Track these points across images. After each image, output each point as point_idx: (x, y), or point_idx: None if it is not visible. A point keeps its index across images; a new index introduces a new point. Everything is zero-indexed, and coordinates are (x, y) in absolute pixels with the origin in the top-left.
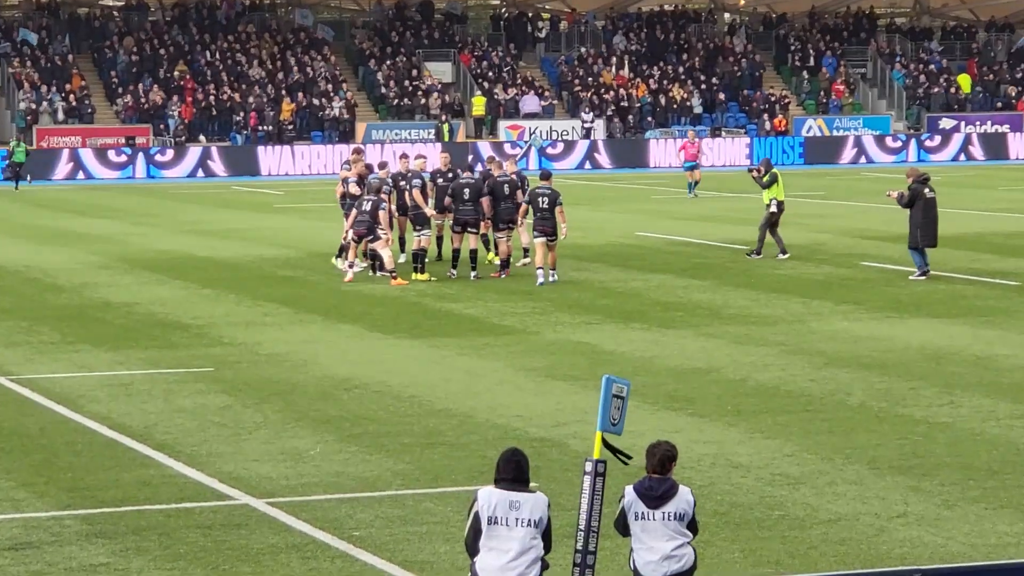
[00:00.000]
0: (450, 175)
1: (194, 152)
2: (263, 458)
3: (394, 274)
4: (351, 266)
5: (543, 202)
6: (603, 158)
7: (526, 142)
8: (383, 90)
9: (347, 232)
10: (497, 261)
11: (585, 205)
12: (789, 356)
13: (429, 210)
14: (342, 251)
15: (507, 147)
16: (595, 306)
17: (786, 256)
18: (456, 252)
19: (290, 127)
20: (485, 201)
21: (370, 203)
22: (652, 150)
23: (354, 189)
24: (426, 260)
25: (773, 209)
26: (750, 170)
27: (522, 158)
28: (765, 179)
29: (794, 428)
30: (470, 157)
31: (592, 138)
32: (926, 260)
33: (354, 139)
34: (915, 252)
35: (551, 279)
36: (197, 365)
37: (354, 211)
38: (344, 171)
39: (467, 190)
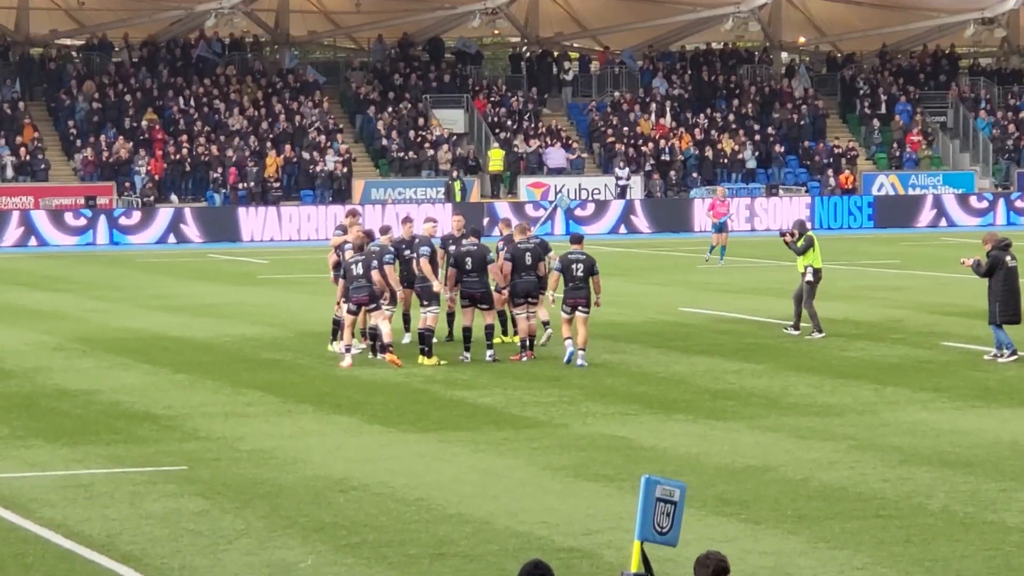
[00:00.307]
0: (464, 242)
1: (164, 214)
2: (245, 572)
3: (390, 349)
4: (347, 349)
5: (577, 269)
6: (641, 221)
7: (551, 203)
8: (384, 142)
9: (339, 304)
10: (517, 342)
11: (620, 276)
12: (859, 452)
13: (438, 283)
14: (338, 332)
15: (529, 208)
16: (632, 394)
17: (822, 335)
18: (467, 331)
19: (276, 185)
20: (495, 268)
21: (361, 263)
22: (697, 212)
23: (350, 257)
24: (433, 341)
25: (809, 278)
26: (783, 234)
27: (546, 221)
28: (800, 244)
29: (865, 536)
30: (485, 220)
31: (628, 197)
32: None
33: (350, 199)
34: (997, 329)
35: (579, 363)
36: (168, 463)
37: (342, 280)
38: (337, 236)
39: (469, 259)
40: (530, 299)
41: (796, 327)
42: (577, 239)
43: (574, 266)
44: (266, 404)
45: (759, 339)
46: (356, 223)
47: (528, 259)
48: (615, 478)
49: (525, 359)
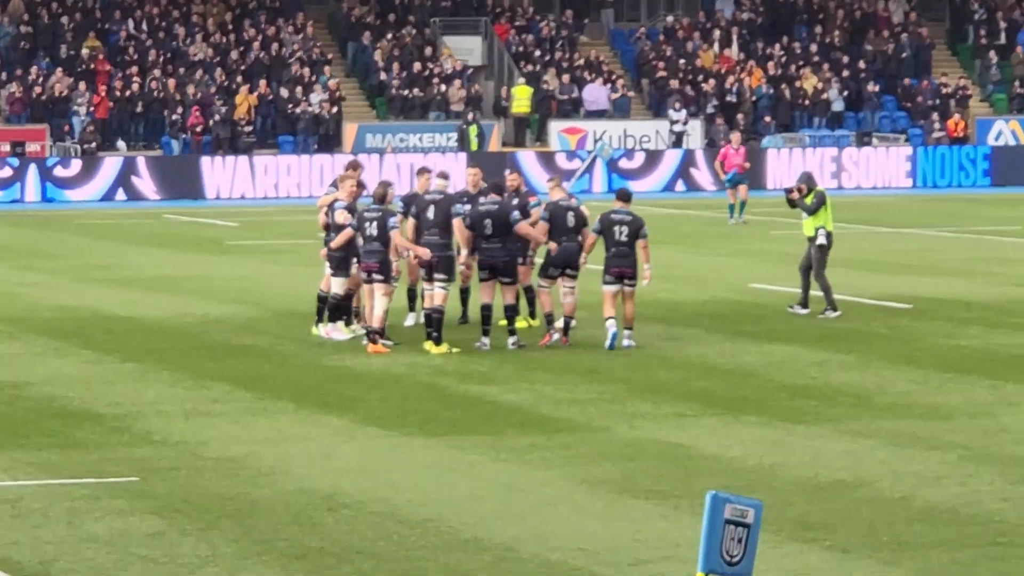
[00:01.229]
0: (483, 199)
1: (110, 165)
2: None
3: (377, 335)
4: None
5: (621, 232)
6: (702, 176)
7: (589, 152)
8: (383, 76)
9: (329, 276)
10: (558, 325)
11: (675, 244)
12: (972, 464)
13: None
14: (331, 311)
15: (559, 159)
16: (691, 390)
17: (837, 314)
18: (486, 310)
19: (248, 130)
20: (531, 229)
21: (376, 221)
22: (771, 164)
23: (343, 218)
24: (442, 324)
25: (822, 241)
26: (789, 191)
27: (582, 175)
28: (809, 201)
29: (980, 568)
30: (508, 174)
31: (685, 147)
32: None
33: (340, 147)
34: None
35: (626, 343)
36: (115, 473)
37: (344, 235)
38: (327, 194)
39: (489, 221)
40: (569, 271)
41: (804, 304)
42: (625, 196)
43: (617, 228)
44: (236, 401)
45: (848, 323)
46: (353, 176)
47: (571, 220)
48: (670, 495)
49: (556, 340)
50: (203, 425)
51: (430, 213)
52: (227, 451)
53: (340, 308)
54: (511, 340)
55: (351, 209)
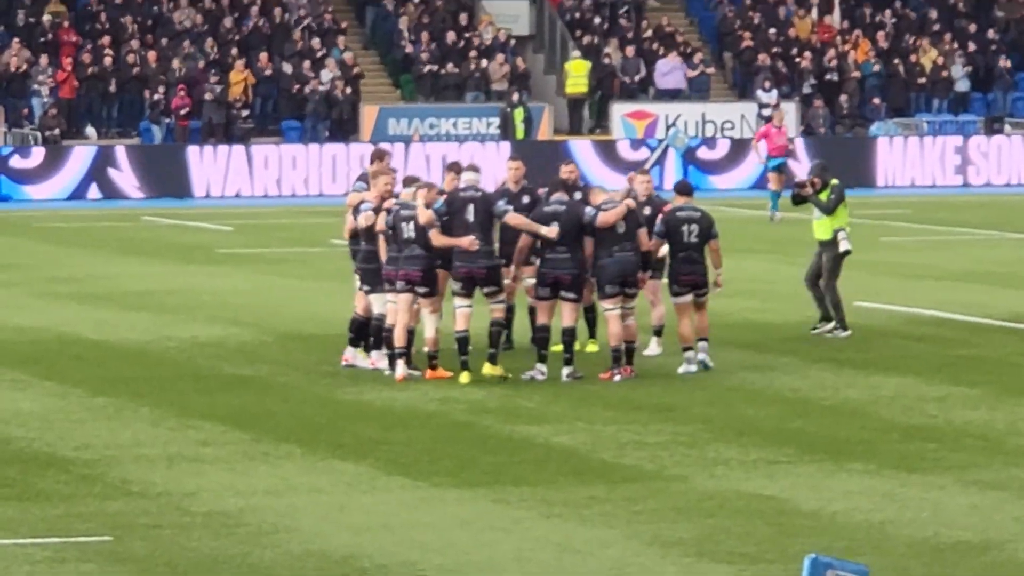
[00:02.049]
0: (526, 199)
1: (79, 156)
2: None
3: (435, 359)
4: (400, 354)
5: (690, 233)
6: (798, 168)
7: (660, 142)
8: (409, 49)
9: (363, 292)
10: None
11: (764, 253)
12: None
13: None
14: (370, 338)
15: (622, 148)
16: (783, 431)
17: (847, 334)
18: (544, 332)
19: (245, 113)
20: (643, 238)
21: (413, 221)
22: (881, 156)
23: (367, 222)
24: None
25: (847, 247)
26: (800, 185)
27: (653, 166)
28: (826, 197)
29: None
30: (564, 167)
31: None
32: None
33: (357, 135)
34: None
35: (701, 358)
36: (84, 531)
37: (379, 242)
38: (356, 192)
39: (556, 224)
40: (627, 287)
41: (833, 320)
42: (687, 189)
43: (685, 228)
44: (231, 443)
45: (974, 349)
46: (386, 169)
47: (621, 224)
48: (759, 558)
49: (619, 378)
50: (191, 473)
51: (469, 214)
52: (220, 504)
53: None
54: (566, 371)
55: (379, 209)
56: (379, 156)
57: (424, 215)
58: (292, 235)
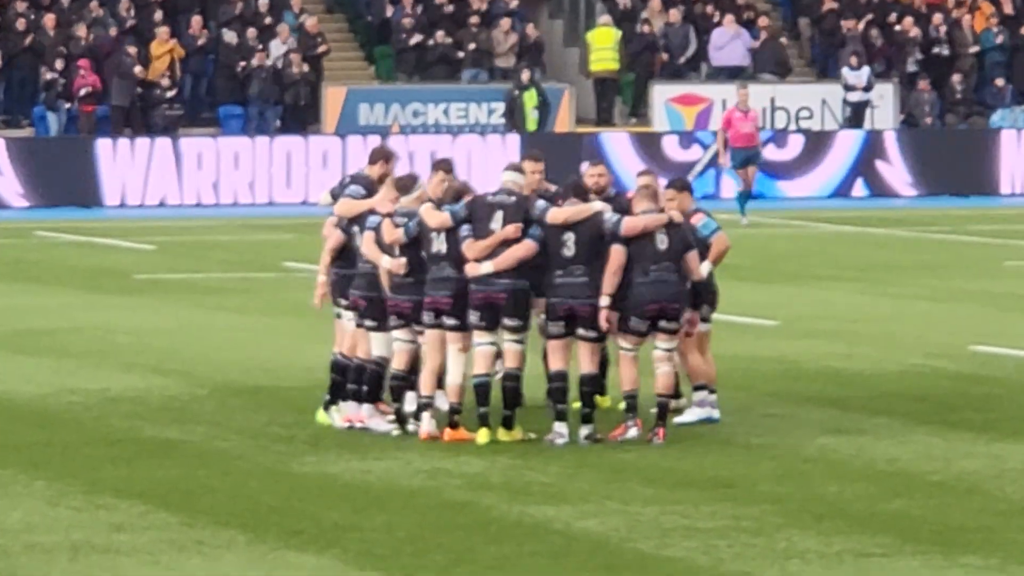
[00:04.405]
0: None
1: None
2: None
3: (458, 413)
4: (426, 405)
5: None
6: (894, 171)
7: (715, 135)
8: (388, 12)
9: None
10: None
11: (852, 282)
12: None
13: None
14: (371, 384)
15: (667, 144)
16: (876, 514)
17: None
18: (560, 380)
19: (171, 95)
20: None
21: (441, 231)
22: (1006, 154)
23: (393, 236)
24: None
25: None
26: None
27: (705, 170)
28: None
29: None
30: (588, 168)
31: (869, 126)
32: None
33: (318, 124)
34: None
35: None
36: None
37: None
38: (352, 200)
39: (572, 237)
40: (664, 323)
41: None
42: (684, 188)
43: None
44: (154, 528)
45: None
46: (387, 167)
47: (662, 240)
48: None
49: (655, 440)
50: (101, 567)
51: (495, 223)
52: None
53: (379, 380)
54: (584, 432)
55: (408, 215)
56: (385, 157)
57: (436, 217)
58: (233, 256)
